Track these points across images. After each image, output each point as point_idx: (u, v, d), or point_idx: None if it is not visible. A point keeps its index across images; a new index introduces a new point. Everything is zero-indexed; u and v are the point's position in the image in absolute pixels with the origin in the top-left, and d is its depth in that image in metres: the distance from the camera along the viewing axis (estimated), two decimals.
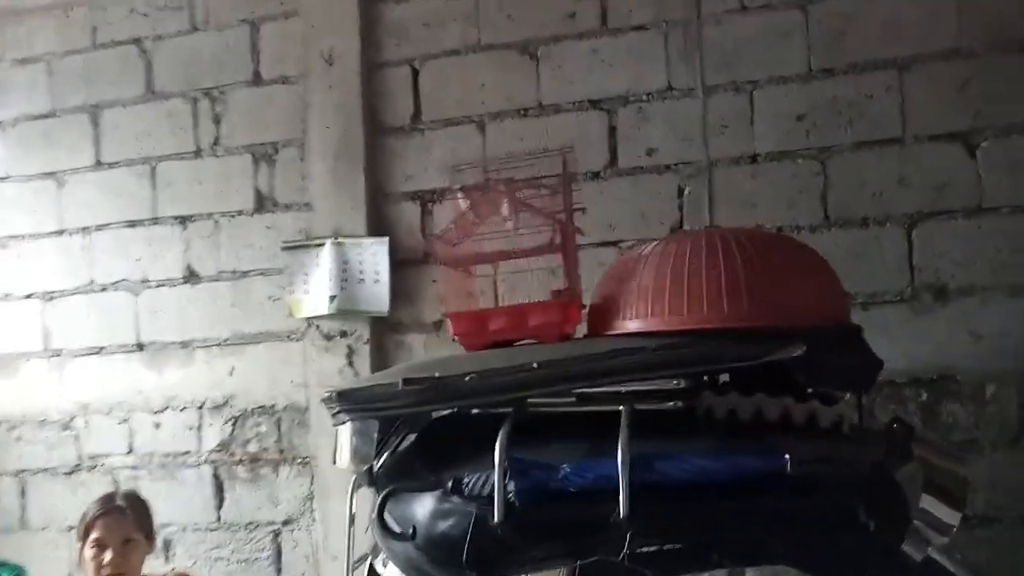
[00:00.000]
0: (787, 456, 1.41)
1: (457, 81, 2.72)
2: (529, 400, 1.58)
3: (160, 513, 2.71)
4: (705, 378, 1.61)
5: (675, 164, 2.52)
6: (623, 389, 1.54)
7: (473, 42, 2.71)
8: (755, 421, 1.54)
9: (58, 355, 3.09)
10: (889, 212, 2.33)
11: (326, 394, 1.63)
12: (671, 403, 1.54)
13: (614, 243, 2.54)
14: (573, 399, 1.59)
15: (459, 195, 1.82)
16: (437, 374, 1.58)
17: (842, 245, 2.32)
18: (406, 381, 1.56)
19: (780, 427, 1.53)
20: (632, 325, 1.62)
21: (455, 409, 1.65)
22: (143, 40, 3.02)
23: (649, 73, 2.55)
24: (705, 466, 1.45)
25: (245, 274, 2.92)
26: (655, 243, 1.70)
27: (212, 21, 2.96)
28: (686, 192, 2.50)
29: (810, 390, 1.55)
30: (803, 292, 1.56)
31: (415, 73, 2.77)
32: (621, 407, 1.51)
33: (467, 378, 1.54)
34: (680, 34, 2.52)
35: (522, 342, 1.80)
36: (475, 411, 1.66)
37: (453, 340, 1.77)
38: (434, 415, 1.71)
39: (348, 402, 1.62)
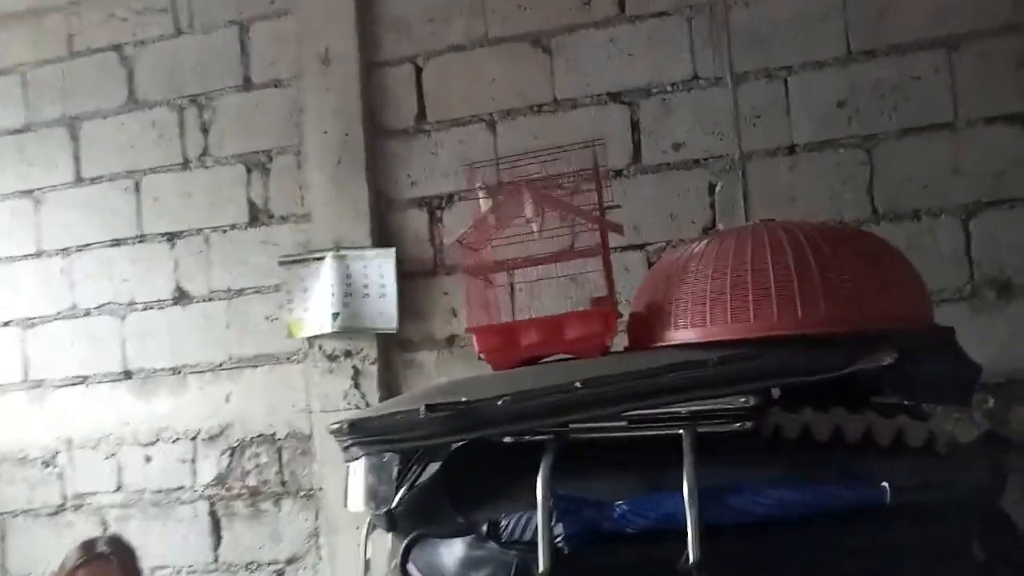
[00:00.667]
0: (886, 484, 1.20)
1: (464, 78, 2.53)
2: (572, 426, 1.37)
3: (152, 555, 2.49)
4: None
5: (704, 159, 2.32)
6: (682, 410, 1.33)
7: (480, 35, 2.51)
8: (833, 441, 1.33)
9: (39, 386, 2.86)
10: (943, 203, 2.13)
11: (336, 425, 1.41)
12: (738, 424, 1.33)
13: (640, 246, 2.33)
14: (623, 423, 1.37)
15: (480, 194, 1.61)
16: (464, 398, 1.37)
17: (893, 240, 2.10)
18: (429, 407, 1.35)
19: (863, 447, 1.32)
20: (686, 335, 1.41)
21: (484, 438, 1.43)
22: (123, 46, 2.82)
23: (672, 62, 2.36)
24: (785, 498, 1.25)
25: (240, 292, 2.70)
26: (705, 241, 1.50)
27: (197, 23, 2.76)
28: (718, 188, 2.30)
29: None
30: (886, 291, 1.35)
31: (418, 71, 2.57)
32: (681, 431, 1.30)
33: (500, 402, 1.34)
34: (705, 19, 2.33)
35: (555, 358, 1.60)
36: (508, 439, 1.45)
37: (479, 358, 1.56)
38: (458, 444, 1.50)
39: (362, 433, 1.40)
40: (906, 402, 1.36)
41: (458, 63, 2.53)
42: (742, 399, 1.30)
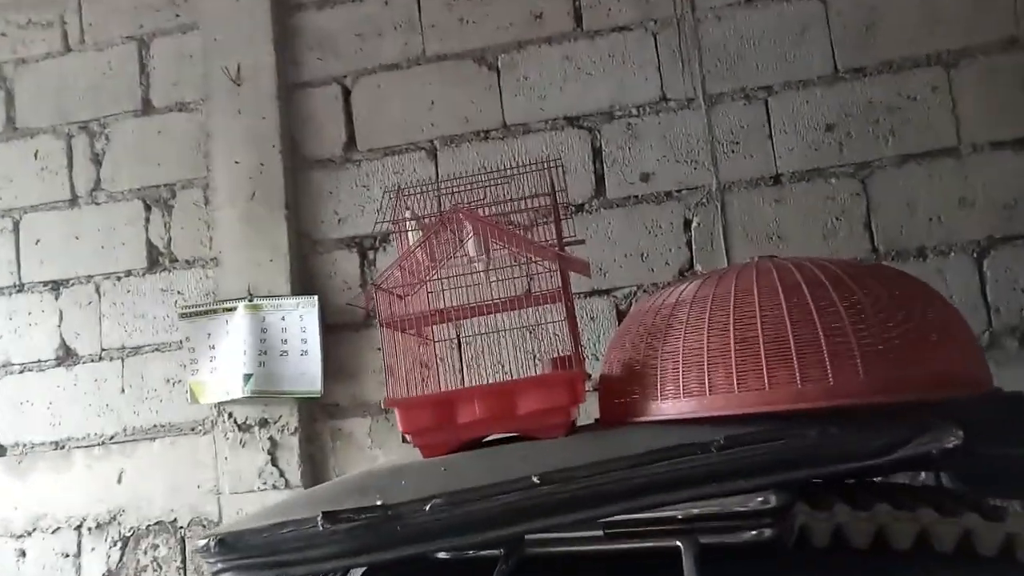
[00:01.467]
0: None
1: (399, 100, 2.20)
2: (529, 537, 1.01)
3: None
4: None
5: (678, 191, 2.02)
6: (678, 514, 0.98)
7: (417, 52, 2.20)
8: (877, 548, 1.00)
9: None
10: (952, 238, 1.86)
11: (201, 542, 1.02)
12: (752, 532, 0.98)
13: (607, 291, 2.01)
14: (598, 532, 1.01)
15: (408, 225, 1.26)
16: (380, 500, 1.00)
17: None
18: (329, 516, 0.98)
19: (917, 556, 0.99)
20: (677, 407, 1.07)
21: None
22: (2, 66, 2.43)
23: (637, 82, 2.07)
24: None
25: (136, 351, 2.29)
26: (695, 284, 1.17)
27: (90, 40, 2.39)
28: (694, 224, 2.00)
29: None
30: (938, 347, 1.03)
31: (346, 92, 2.24)
32: (678, 542, 0.95)
33: (429, 506, 0.97)
34: (672, 34, 2.06)
35: (505, 439, 1.24)
36: (444, 555, 1.07)
37: (404, 441, 1.18)
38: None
39: (238, 554, 1.01)
40: (970, 494, 1.04)
41: (392, 83, 2.21)
42: (758, 497, 0.96)
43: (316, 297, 2.12)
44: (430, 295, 1.37)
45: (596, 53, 2.10)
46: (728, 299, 1.06)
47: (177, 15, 2.34)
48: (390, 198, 1.41)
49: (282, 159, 2.19)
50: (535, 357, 1.42)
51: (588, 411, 1.29)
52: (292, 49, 2.27)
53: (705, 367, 1.03)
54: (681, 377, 1.05)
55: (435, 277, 1.28)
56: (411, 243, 1.36)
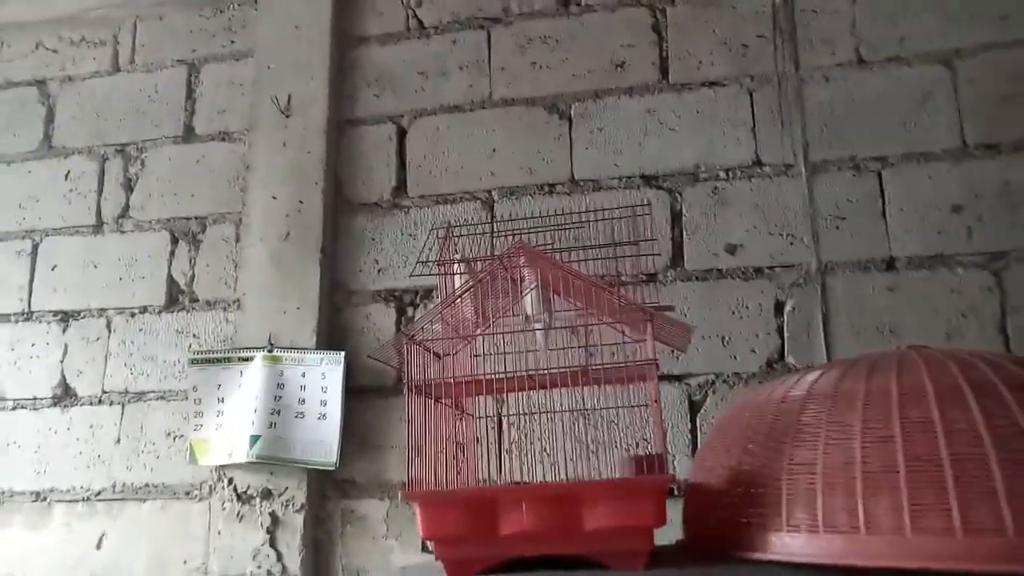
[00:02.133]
0: None
1: (458, 145, 1.99)
2: None
3: None
4: None
5: (770, 267, 1.73)
6: None
7: (482, 95, 2.00)
8: None
9: None
10: None
11: None
12: None
13: (678, 378, 1.71)
14: None
15: (456, 267, 1.01)
16: None
17: None
18: None
19: None
20: (813, 546, 0.76)
21: None
22: (48, 82, 2.30)
23: (728, 142, 1.82)
24: None
25: (139, 397, 2.04)
26: (830, 373, 0.88)
27: (140, 60, 2.26)
28: (788, 308, 1.70)
29: None
30: None
31: (401, 133, 2.04)
32: None
33: None
34: (771, 93, 1.82)
35: (557, 561, 0.93)
36: None
37: (425, 550, 0.89)
38: None
39: None
40: None
41: (453, 126, 2.00)
42: None
43: (343, 354, 1.86)
44: (475, 358, 1.10)
45: (682, 108, 1.87)
46: (889, 397, 0.77)
47: (232, 41, 2.20)
48: (438, 237, 1.17)
49: (323, 198, 1.98)
50: (595, 451, 1.13)
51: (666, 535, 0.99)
52: (348, 84, 2.09)
53: (859, 491, 0.73)
54: (820, 502, 0.75)
55: (482, 333, 1.01)
56: (458, 288, 1.11)
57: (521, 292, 1.02)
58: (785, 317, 1.71)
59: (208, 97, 2.18)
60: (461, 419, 1.13)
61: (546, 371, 1.06)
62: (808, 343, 1.67)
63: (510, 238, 1.12)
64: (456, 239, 1.16)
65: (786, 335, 1.70)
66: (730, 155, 1.82)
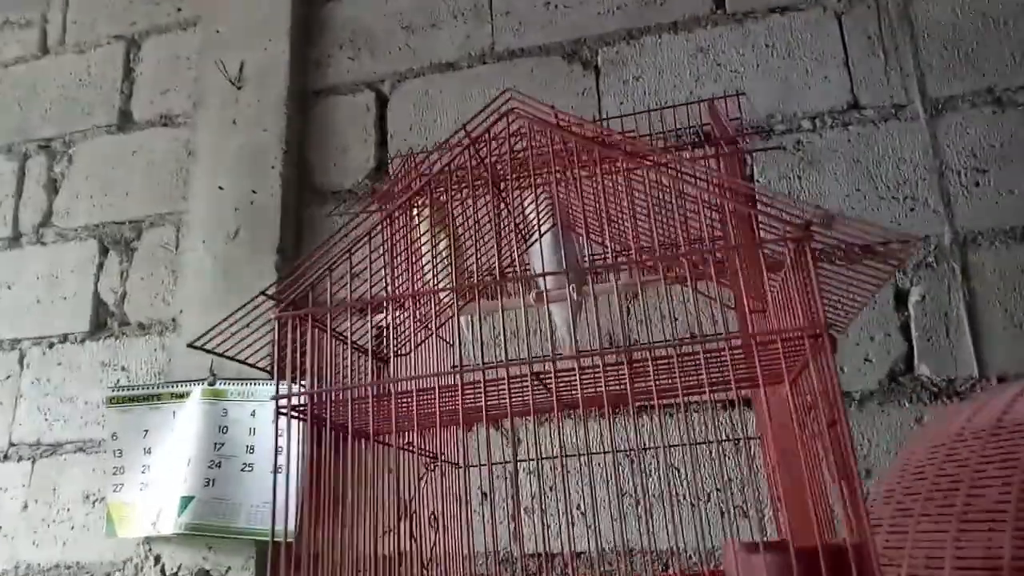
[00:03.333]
0: None
1: (453, 111, 1.54)
2: None
3: None
4: None
5: (883, 243, 1.24)
6: None
7: (483, 47, 1.56)
8: None
9: None
10: None
11: None
12: None
13: (747, 403, 1.20)
14: None
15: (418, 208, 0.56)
16: None
17: None
18: None
19: None
20: None
21: None
22: None
23: (813, 82, 1.35)
24: None
25: (54, 449, 1.59)
26: None
27: (71, 40, 1.87)
28: (914, 298, 1.21)
29: None
30: None
31: (382, 101, 1.60)
32: None
33: None
34: (868, 14, 1.35)
35: None
36: None
37: None
38: None
39: None
40: None
41: (446, 89, 1.56)
42: None
43: (303, 385, 1.39)
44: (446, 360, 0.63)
45: (745, 43, 1.41)
46: None
47: (179, 8, 1.80)
48: (400, 164, 0.73)
49: (282, 186, 1.54)
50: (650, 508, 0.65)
51: None
52: (316, 46, 1.67)
53: None
54: None
55: (456, 312, 0.55)
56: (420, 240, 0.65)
57: (525, 234, 0.56)
58: (911, 310, 1.20)
59: (149, 76, 1.78)
60: (433, 469, 0.65)
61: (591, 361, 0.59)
62: (947, 346, 1.16)
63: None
64: (419, 166, 0.70)
65: (914, 335, 1.20)
66: (815, 99, 1.34)
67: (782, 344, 0.53)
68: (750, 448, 0.91)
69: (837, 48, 1.36)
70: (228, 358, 0.67)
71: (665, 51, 1.45)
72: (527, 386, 0.59)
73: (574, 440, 0.97)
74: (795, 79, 1.36)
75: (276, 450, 0.61)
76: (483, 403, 0.57)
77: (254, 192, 1.55)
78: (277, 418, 0.59)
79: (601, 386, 0.60)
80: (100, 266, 1.68)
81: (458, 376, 0.57)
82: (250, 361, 0.75)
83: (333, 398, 0.61)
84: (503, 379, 0.57)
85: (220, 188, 1.56)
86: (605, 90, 1.47)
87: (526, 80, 1.51)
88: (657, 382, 0.58)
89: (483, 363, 0.59)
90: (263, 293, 0.63)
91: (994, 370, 1.14)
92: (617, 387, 0.56)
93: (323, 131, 1.61)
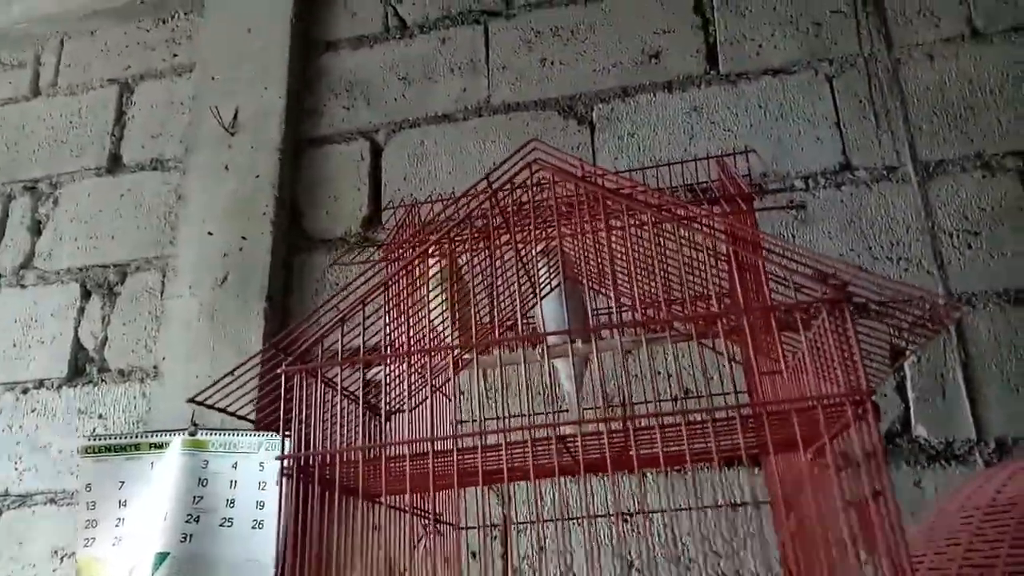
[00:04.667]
0: None
1: (448, 163, 1.55)
2: None
3: None
4: None
5: (877, 303, 1.24)
6: None
7: (479, 100, 1.57)
8: None
9: None
10: None
11: None
12: None
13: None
14: None
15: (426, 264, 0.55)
16: None
17: None
18: None
19: None
20: None
21: None
22: None
23: (805, 144, 1.37)
24: None
25: (23, 500, 1.53)
26: None
27: (64, 82, 1.86)
28: (910, 359, 1.20)
29: None
30: None
31: (376, 151, 1.60)
32: None
33: None
34: (858, 78, 1.38)
35: None
36: None
37: None
38: None
39: None
40: None
41: (440, 140, 1.57)
42: None
43: (284, 437, 1.35)
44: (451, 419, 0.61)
45: (738, 103, 1.43)
46: None
47: (175, 55, 1.80)
48: (394, 212, 0.72)
49: (273, 233, 1.52)
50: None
51: None
52: (311, 95, 1.67)
53: None
54: None
55: (460, 368, 0.53)
56: (428, 301, 0.64)
57: (536, 289, 0.54)
58: (907, 371, 1.20)
59: (141, 119, 1.77)
60: (431, 533, 0.62)
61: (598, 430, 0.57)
62: (945, 408, 1.16)
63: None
64: (423, 215, 0.69)
65: (910, 396, 1.19)
66: (808, 159, 1.36)
67: (823, 410, 0.52)
68: (748, 513, 0.89)
69: (829, 110, 1.38)
70: (234, 416, 0.65)
71: (659, 109, 1.47)
72: (528, 451, 0.57)
73: (572, 499, 0.94)
74: (788, 139, 1.38)
75: (280, 514, 0.58)
76: (504, 466, 0.55)
77: (244, 239, 1.53)
78: (282, 479, 0.56)
79: (608, 449, 0.58)
80: (81, 310, 1.64)
81: (476, 439, 0.55)
82: (240, 413, 0.73)
83: (344, 458, 0.58)
84: (519, 443, 0.55)
85: (209, 233, 1.54)
86: (600, 145, 1.48)
87: (521, 134, 1.52)
88: (665, 449, 0.56)
89: (503, 426, 0.57)
90: (274, 346, 0.61)
91: (992, 433, 1.13)
92: (637, 449, 0.54)
93: (316, 179, 1.61)
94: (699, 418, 0.56)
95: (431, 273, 0.66)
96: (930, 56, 1.37)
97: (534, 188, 0.65)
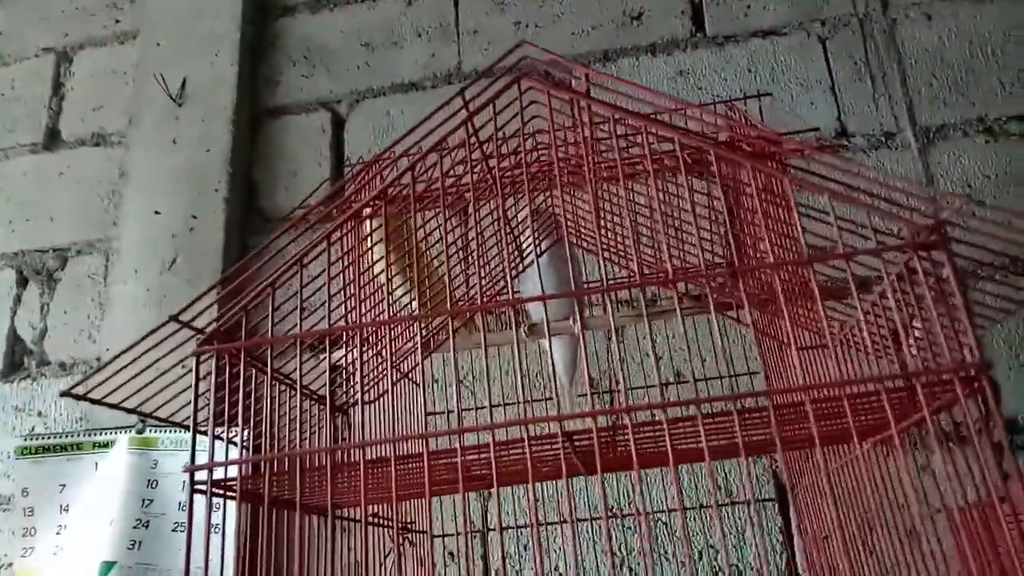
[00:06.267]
0: None
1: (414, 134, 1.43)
2: None
3: None
4: None
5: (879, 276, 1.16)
6: None
7: (449, 67, 1.46)
8: None
9: None
10: None
11: None
12: None
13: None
14: None
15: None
16: None
17: None
18: None
19: None
20: None
21: None
22: None
23: (799, 108, 1.29)
24: None
25: None
26: None
27: None
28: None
29: None
30: None
31: (338, 123, 1.48)
32: None
33: None
34: (853, 40, 1.30)
35: None
36: None
37: None
38: None
39: None
40: None
41: (408, 110, 1.46)
42: None
43: (242, 429, 1.24)
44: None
45: (727, 67, 1.34)
46: None
47: (117, 20, 1.66)
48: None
49: (227, 211, 1.40)
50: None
51: None
52: (267, 63, 1.55)
53: None
54: None
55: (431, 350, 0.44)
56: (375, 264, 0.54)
57: (520, 248, 0.45)
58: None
59: (81, 91, 1.63)
60: (399, 545, 0.53)
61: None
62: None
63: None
64: (383, 166, 0.59)
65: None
66: (802, 125, 1.28)
67: (922, 391, 0.43)
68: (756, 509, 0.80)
69: (823, 73, 1.30)
70: (112, 406, 0.54)
71: (643, 73, 1.37)
72: (525, 451, 0.47)
73: (553, 495, 0.85)
74: (780, 104, 1.30)
75: (189, 536, 0.47)
76: (493, 471, 0.45)
77: (194, 217, 1.40)
78: (191, 495, 0.45)
79: (612, 447, 0.48)
80: (17, 298, 1.50)
81: (453, 438, 0.45)
82: (158, 413, 0.62)
83: (276, 467, 0.48)
84: (508, 442, 0.45)
85: (156, 213, 1.42)
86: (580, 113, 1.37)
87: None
88: (684, 446, 0.46)
89: (483, 419, 0.47)
90: (175, 319, 0.50)
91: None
92: (654, 447, 0.45)
93: (272, 153, 1.49)
94: (756, 403, 0.47)
95: (374, 231, 0.55)
96: (927, 16, 1.29)
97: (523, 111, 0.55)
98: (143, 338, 0.51)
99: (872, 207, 0.45)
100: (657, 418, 0.43)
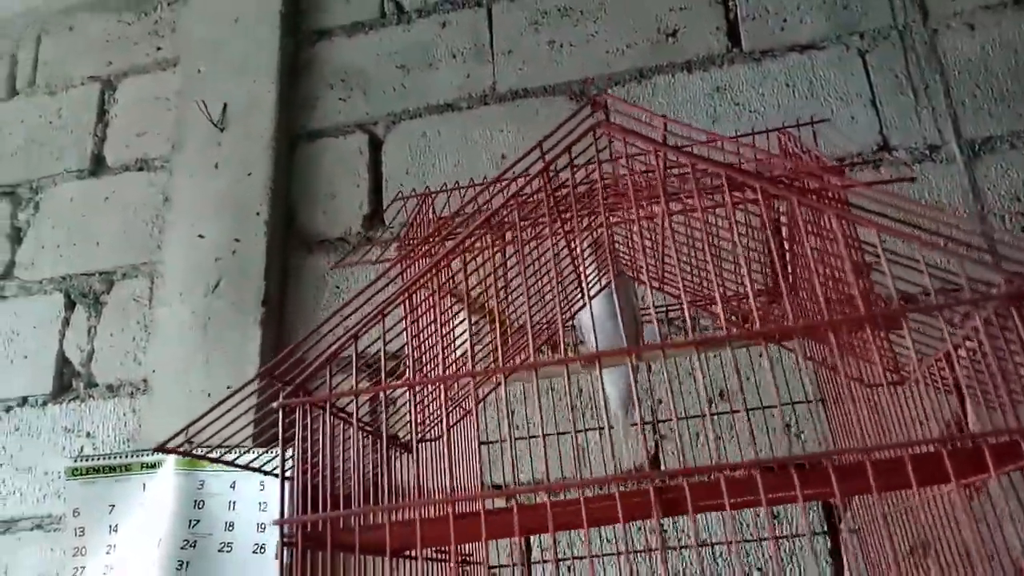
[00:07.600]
0: None
1: (453, 154, 1.45)
2: None
3: None
4: None
5: (925, 293, 1.14)
6: None
7: (484, 87, 1.47)
8: None
9: None
10: None
11: None
12: None
13: None
14: None
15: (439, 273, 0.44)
16: None
17: None
18: None
19: None
20: None
21: None
22: None
23: (839, 123, 1.27)
24: None
25: (9, 526, 1.43)
26: None
27: (42, 81, 1.76)
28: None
29: None
30: None
31: (375, 144, 1.50)
32: None
33: None
34: (894, 52, 1.28)
35: None
36: None
37: None
38: None
39: None
40: None
41: (444, 130, 1.47)
42: None
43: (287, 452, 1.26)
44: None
45: (764, 82, 1.33)
46: None
47: (159, 48, 1.70)
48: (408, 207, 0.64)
49: (268, 234, 1.42)
50: None
51: None
52: (304, 86, 1.57)
53: None
54: None
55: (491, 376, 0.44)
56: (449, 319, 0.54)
57: (583, 284, 0.45)
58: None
59: (124, 118, 1.67)
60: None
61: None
62: None
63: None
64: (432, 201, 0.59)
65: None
66: (848, 141, 1.26)
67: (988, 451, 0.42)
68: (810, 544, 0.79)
69: (863, 87, 1.28)
70: (215, 460, 0.55)
71: (679, 90, 1.37)
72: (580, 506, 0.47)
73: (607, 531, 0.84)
74: (820, 117, 1.28)
75: None
76: (550, 520, 0.45)
77: (237, 240, 1.43)
78: (282, 550, 0.46)
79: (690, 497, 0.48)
80: (66, 321, 1.54)
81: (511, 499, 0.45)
82: (235, 451, 0.63)
83: (351, 522, 0.48)
84: (566, 504, 0.45)
85: (200, 236, 1.44)
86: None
87: (531, 121, 1.42)
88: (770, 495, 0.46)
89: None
90: (271, 375, 0.51)
91: None
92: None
93: (311, 176, 1.51)
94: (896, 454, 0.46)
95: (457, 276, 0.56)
96: (970, 25, 1.27)
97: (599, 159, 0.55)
98: (235, 391, 0.52)
99: (963, 256, 0.44)
100: (714, 478, 0.43)
